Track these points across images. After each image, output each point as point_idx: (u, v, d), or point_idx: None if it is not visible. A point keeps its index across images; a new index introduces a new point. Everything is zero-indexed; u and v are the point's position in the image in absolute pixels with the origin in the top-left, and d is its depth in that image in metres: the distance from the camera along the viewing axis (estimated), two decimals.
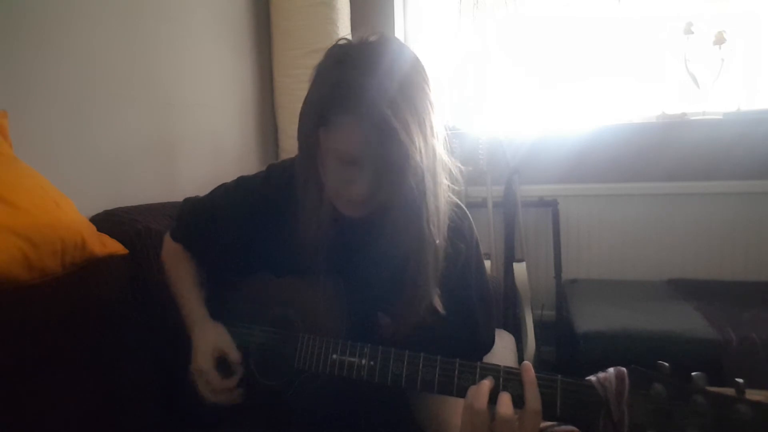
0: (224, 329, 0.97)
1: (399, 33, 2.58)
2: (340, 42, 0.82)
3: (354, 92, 0.74)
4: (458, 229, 0.91)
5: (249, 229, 0.99)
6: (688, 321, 1.80)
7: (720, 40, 2.17)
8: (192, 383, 0.95)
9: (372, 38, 0.80)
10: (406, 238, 0.81)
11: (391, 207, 0.81)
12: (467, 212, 0.96)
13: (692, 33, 2.21)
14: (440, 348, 0.82)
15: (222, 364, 0.94)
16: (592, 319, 1.87)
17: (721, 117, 2.23)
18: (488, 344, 0.96)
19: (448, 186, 0.86)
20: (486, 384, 0.70)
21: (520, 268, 2.27)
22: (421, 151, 0.75)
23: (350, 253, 0.92)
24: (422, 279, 0.82)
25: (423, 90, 0.78)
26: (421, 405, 0.92)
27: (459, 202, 0.94)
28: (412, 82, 0.77)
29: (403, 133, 0.73)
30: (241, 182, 1.06)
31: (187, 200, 1.14)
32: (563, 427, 0.97)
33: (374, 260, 0.87)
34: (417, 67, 0.79)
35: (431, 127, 0.78)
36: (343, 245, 0.91)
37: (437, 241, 0.82)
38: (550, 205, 2.40)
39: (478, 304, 0.93)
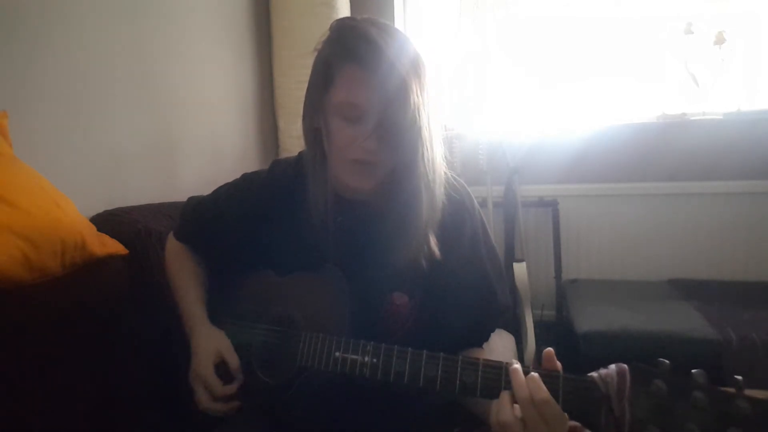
0: (223, 334, 0.96)
1: None
2: None
3: (358, 39, 0.80)
4: (460, 202, 0.94)
5: (253, 225, 1.00)
6: (688, 321, 1.80)
7: (720, 40, 2.17)
8: (190, 391, 0.94)
9: None
10: (408, 188, 0.85)
11: (400, 175, 0.85)
12: (465, 186, 0.99)
13: (692, 33, 2.22)
14: (463, 319, 0.88)
15: (221, 370, 0.93)
16: (592, 319, 1.87)
17: (721, 117, 2.23)
18: (509, 306, 0.98)
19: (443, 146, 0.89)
20: (506, 397, 0.70)
21: (520, 268, 2.27)
22: (418, 96, 0.80)
23: (358, 240, 0.93)
24: (420, 221, 0.85)
25: (419, 54, 0.84)
26: None
27: (457, 177, 0.97)
28: (411, 44, 0.83)
29: (405, 76, 0.78)
30: (245, 179, 1.06)
31: (191, 199, 1.14)
32: None
33: (383, 239, 0.88)
34: (411, 42, 0.85)
35: (428, 83, 0.83)
36: (350, 233, 0.92)
37: (435, 189, 0.86)
38: (550, 205, 2.40)
39: (492, 271, 0.96)
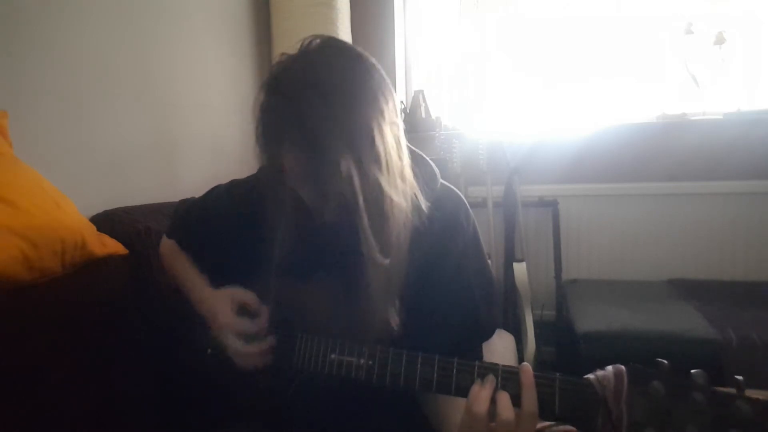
0: (229, 287, 0.95)
1: (399, 33, 2.58)
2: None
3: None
4: (455, 217, 0.91)
5: (241, 233, 0.99)
6: (688, 321, 1.79)
7: (720, 40, 2.17)
8: (219, 354, 0.93)
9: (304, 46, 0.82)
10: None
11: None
12: (462, 198, 0.94)
13: (692, 33, 2.21)
14: (443, 338, 0.85)
15: (243, 313, 0.92)
16: (592, 319, 1.86)
17: (721, 117, 2.22)
18: (490, 329, 0.94)
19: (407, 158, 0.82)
20: (488, 388, 0.70)
21: (520, 268, 2.26)
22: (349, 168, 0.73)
23: (343, 251, 0.92)
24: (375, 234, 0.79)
25: (350, 76, 0.78)
26: (428, 399, 0.92)
27: (452, 187, 0.94)
28: (333, 72, 0.79)
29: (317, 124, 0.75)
30: (232, 186, 1.07)
31: (182, 202, 1.15)
32: (561, 427, 0.97)
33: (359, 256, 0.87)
34: (350, 63, 0.80)
35: (365, 103, 0.77)
36: (341, 242, 0.91)
37: (398, 225, 0.79)
38: (550, 205, 2.40)
39: (477, 290, 0.92)
